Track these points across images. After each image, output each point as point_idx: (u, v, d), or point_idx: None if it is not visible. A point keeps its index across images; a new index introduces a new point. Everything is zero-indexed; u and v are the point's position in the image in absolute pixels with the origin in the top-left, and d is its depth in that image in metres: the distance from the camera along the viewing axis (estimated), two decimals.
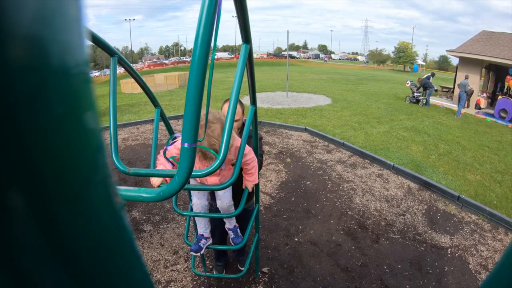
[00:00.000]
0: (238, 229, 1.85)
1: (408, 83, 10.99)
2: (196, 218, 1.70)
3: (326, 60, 60.74)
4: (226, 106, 1.67)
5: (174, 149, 1.32)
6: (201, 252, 1.73)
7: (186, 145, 0.55)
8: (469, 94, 9.13)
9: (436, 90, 10.12)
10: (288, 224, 3.25)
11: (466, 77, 9.11)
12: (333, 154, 5.25)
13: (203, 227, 1.76)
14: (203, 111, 0.85)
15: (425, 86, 9.95)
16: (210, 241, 1.80)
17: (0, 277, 0.13)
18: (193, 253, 1.72)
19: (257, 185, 2.02)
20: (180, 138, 1.38)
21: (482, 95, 10.91)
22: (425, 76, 10.36)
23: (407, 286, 2.47)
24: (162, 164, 1.30)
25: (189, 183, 0.71)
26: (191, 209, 1.84)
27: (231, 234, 1.81)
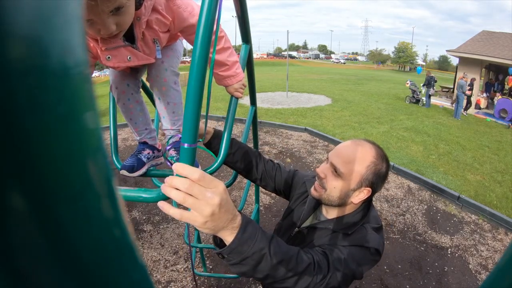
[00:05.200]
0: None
1: (408, 83, 10.99)
2: (130, 116, 0.97)
3: (380, 64, 57.55)
4: None
5: None
6: (139, 173, 0.94)
7: (186, 145, 0.55)
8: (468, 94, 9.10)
9: (430, 96, 10.01)
10: None
11: (464, 77, 9.10)
12: None
13: (142, 127, 0.99)
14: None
15: (429, 82, 9.97)
16: (159, 156, 1.05)
17: (0, 277, 0.13)
18: (125, 173, 0.91)
19: (257, 185, 1.92)
20: None
21: (482, 95, 10.90)
22: (431, 75, 10.38)
23: (407, 286, 2.47)
24: None
25: None
26: None
27: (171, 153, 0.94)
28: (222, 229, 0.56)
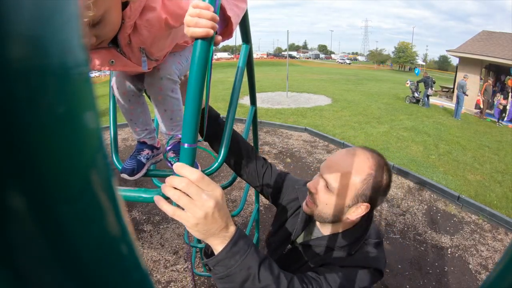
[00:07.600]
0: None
1: (408, 83, 10.99)
2: (130, 117, 0.94)
3: (391, 65, 49.66)
4: None
5: None
6: (139, 175, 0.91)
7: (186, 145, 0.55)
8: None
9: (428, 96, 9.96)
10: None
11: (465, 77, 9.10)
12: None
13: (142, 127, 0.96)
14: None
15: (425, 82, 9.97)
16: (159, 154, 1.02)
17: (1, 277, 0.13)
18: (125, 176, 0.87)
19: None
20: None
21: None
22: (427, 75, 10.37)
23: (407, 286, 2.47)
24: None
25: None
26: None
27: (170, 154, 0.91)
28: (213, 235, 0.54)
